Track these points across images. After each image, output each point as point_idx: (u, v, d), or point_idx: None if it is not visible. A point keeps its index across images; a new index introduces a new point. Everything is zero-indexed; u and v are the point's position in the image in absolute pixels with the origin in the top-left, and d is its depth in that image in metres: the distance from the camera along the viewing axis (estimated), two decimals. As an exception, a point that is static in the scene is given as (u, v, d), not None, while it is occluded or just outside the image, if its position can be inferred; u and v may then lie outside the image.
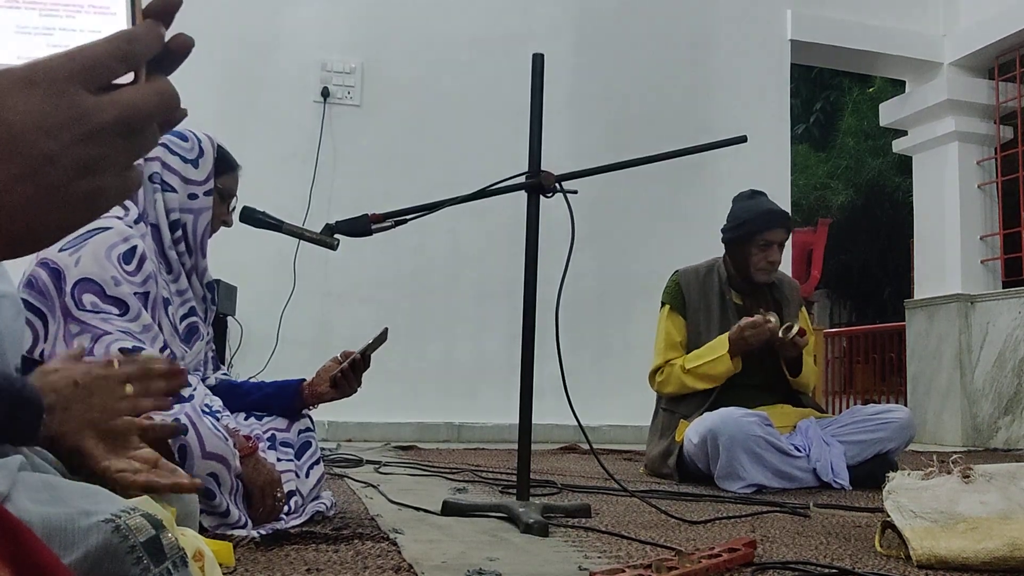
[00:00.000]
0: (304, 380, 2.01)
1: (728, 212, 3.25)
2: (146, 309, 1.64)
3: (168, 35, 0.49)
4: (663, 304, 3.28)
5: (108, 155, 0.45)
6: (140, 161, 0.51)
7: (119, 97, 0.45)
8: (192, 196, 1.82)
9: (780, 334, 2.94)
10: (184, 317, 1.82)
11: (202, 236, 1.85)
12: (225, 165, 1.90)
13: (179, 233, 1.81)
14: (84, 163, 0.45)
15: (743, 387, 3.05)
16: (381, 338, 1.97)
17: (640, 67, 5.45)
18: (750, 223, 3.12)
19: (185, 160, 1.82)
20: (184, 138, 1.83)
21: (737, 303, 3.19)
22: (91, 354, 1.53)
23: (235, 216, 1.97)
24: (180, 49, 0.49)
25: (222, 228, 1.94)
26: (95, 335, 1.54)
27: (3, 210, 0.43)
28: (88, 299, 1.56)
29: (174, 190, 1.80)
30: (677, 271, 3.32)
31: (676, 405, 3.16)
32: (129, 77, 0.47)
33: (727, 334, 3.00)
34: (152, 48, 0.47)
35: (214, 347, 2.00)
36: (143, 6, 0.49)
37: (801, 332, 2.96)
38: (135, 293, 1.62)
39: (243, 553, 1.48)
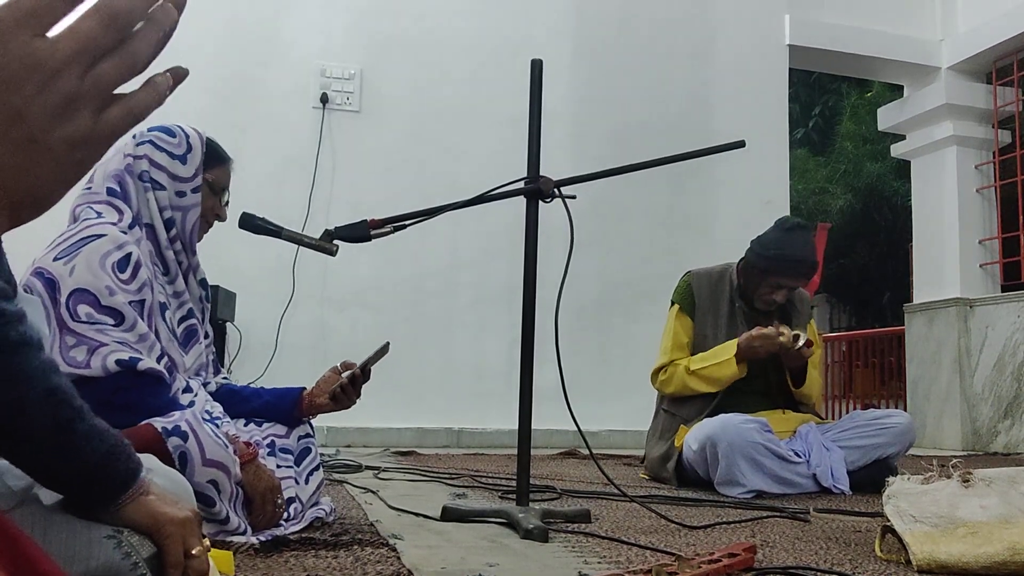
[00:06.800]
0: (304, 389, 2.00)
1: (764, 231, 3.08)
2: (142, 318, 1.62)
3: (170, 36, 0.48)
4: (672, 303, 3.23)
5: (76, 95, 0.43)
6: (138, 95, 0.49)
7: (66, 31, 0.43)
8: (180, 194, 1.79)
9: (788, 344, 2.91)
10: (182, 320, 1.81)
11: (191, 234, 1.82)
12: (215, 158, 1.86)
13: (173, 231, 1.79)
14: (53, 110, 0.43)
15: (744, 392, 3.04)
16: (382, 351, 1.95)
17: (639, 71, 5.45)
18: (773, 262, 2.98)
19: (173, 156, 1.78)
20: (172, 134, 1.80)
21: (746, 310, 3.16)
22: (87, 367, 1.52)
23: (228, 210, 1.93)
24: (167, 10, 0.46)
25: (224, 234, 1.91)
26: (91, 347, 1.53)
27: None
28: (83, 310, 1.55)
29: (163, 187, 1.77)
30: (689, 272, 3.27)
31: (678, 408, 3.13)
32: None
33: (735, 340, 2.99)
34: None
35: (215, 350, 1.99)
36: None
37: (808, 343, 2.93)
38: (130, 302, 1.60)
39: (242, 560, 1.48)
